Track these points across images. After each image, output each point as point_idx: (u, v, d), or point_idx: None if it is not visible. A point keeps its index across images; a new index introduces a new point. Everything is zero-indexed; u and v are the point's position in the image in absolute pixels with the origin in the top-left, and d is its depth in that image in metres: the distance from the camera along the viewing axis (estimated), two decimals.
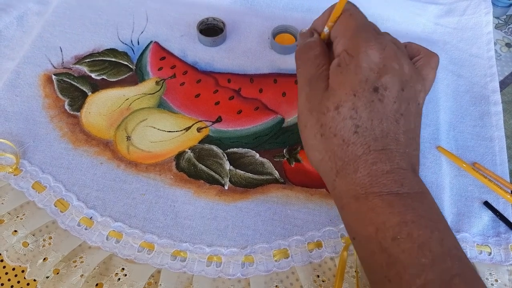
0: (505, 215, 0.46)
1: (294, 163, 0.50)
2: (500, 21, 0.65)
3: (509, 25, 0.65)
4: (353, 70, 0.35)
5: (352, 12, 0.38)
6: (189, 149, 0.50)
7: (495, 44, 0.61)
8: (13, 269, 0.43)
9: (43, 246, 0.43)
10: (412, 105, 0.37)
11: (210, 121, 0.52)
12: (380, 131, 0.35)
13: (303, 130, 0.39)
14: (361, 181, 0.35)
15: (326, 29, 0.41)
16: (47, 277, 0.42)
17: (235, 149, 0.50)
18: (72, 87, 0.54)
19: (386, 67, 0.35)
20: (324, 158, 0.37)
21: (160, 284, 0.42)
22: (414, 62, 0.40)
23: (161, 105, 0.54)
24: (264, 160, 0.50)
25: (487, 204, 0.47)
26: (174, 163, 0.49)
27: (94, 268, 0.42)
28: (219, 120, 0.53)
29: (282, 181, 0.48)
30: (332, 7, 0.40)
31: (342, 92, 0.35)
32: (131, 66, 0.57)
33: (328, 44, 0.42)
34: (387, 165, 0.34)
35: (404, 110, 0.36)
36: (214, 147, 0.50)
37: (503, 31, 0.64)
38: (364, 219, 0.34)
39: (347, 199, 0.36)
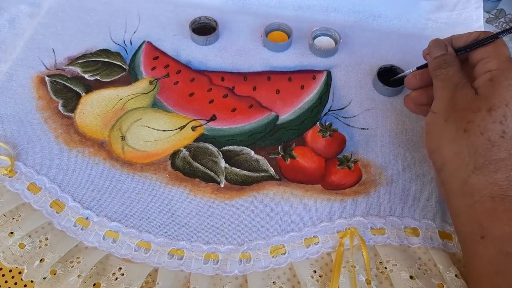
0: None
1: (289, 159, 0.50)
2: (491, 16, 0.66)
3: (499, 19, 0.65)
4: (507, 87, 0.37)
5: (504, 45, 0.41)
6: (184, 147, 0.50)
7: None
8: (10, 270, 0.43)
9: (40, 247, 0.43)
10: None
11: (204, 120, 0.52)
12: None
13: (441, 123, 0.40)
14: (499, 182, 0.36)
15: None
16: (44, 278, 0.41)
17: (230, 147, 0.51)
18: (65, 88, 0.54)
19: None
20: (462, 152, 0.38)
21: (158, 283, 0.42)
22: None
23: (155, 105, 0.54)
24: (259, 157, 0.50)
25: None
26: (169, 162, 0.49)
27: (91, 268, 0.42)
28: (213, 118, 0.53)
29: (278, 178, 0.49)
30: (479, 32, 0.43)
31: (495, 99, 0.37)
32: (124, 66, 0.57)
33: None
34: None
35: None
36: (209, 145, 0.50)
37: (494, 25, 0.65)
38: (501, 218, 0.35)
39: (480, 197, 0.37)
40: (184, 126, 0.52)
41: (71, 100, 0.53)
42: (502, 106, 0.37)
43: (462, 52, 0.43)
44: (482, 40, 0.42)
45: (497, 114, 0.37)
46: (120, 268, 0.43)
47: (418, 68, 0.49)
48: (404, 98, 0.49)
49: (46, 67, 0.56)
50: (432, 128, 0.41)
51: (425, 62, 0.47)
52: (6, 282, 0.43)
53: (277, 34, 0.60)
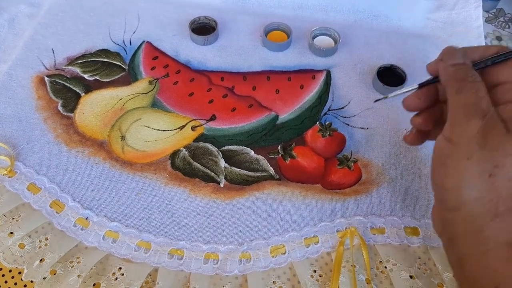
0: None
1: (288, 159, 0.50)
2: (490, 15, 0.66)
3: (499, 18, 0.65)
4: None
5: None
6: (184, 147, 0.50)
7: (485, 37, 0.62)
8: (10, 270, 0.43)
9: (40, 247, 0.43)
10: None
11: (204, 120, 0.52)
12: None
13: (462, 161, 0.35)
14: None
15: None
16: (44, 278, 0.41)
17: (230, 147, 0.51)
18: (65, 89, 0.54)
19: None
20: (483, 198, 0.34)
21: (158, 283, 0.42)
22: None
23: (154, 105, 0.54)
24: (259, 157, 0.50)
25: None
26: (169, 162, 0.49)
27: (91, 268, 0.42)
28: (213, 118, 0.53)
29: (278, 177, 0.49)
30: (499, 47, 0.38)
31: None
32: (123, 66, 0.57)
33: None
34: None
35: None
36: (209, 145, 0.50)
37: (493, 24, 0.65)
38: None
39: (496, 244, 0.34)
40: (183, 126, 0.52)
41: (71, 100, 0.53)
42: None
43: (479, 67, 0.37)
44: (504, 54, 0.36)
45: None
46: (120, 268, 0.43)
47: (420, 86, 0.40)
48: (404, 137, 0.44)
49: (46, 67, 0.56)
50: (448, 162, 0.36)
51: (427, 78, 0.40)
52: (6, 282, 0.43)
53: (276, 34, 0.60)
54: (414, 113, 0.41)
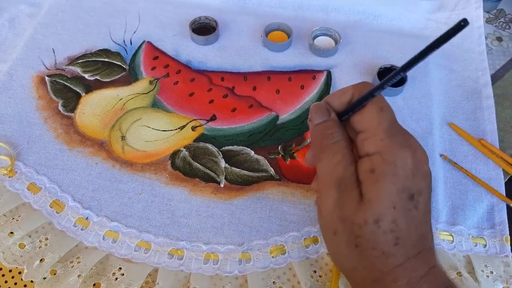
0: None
1: (289, 159, 0.50)
2: (491, 16, 0.66)
3: (499, 19, 0.65)
4: (391, 179, 0.32)
5: (383, 106, 0.35)
6: (184, 147, 0.50)
7: (486, 38, 0.62)
8: (10, 270, 0.43)
9: (40, 247, 0.43)
10: (431, 194, 0.36)
11: (204, 120, 0.52)
12: (416, 236, 0.33)
13: (330, 236, 0.36)
14: None
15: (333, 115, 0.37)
16: (44, 278, 0.41)
17: (230, 147, 0.51)
18: (65, 88, 0.54)
19: (419, 170, 0.33)
20: (357, 267, 0.34)
21: (158, 283, 0.42)
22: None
23: (155, 105, 0.54)
24: (259, 157, 0.50)
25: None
26: (169, 162, 0.49)
27: (91, 268, 0.42)
28: (213, 118, 0.53)
29: (278, 177, 0.49)
30: (355, 88, 0.36)
31: (381, 205, 0.32)
32: (124, 66, 0.57)
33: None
34: (424, 269, 0.33)
35: (429, 207, 0.35)
36: (209, 145, 0.50)
37: (494, 25, 0.65)
38: None
39: None
40: (184, 126, 0.52)
41: (71, 100, 0.53)
42: (390, 211, 0.32)
43: (344, 118, 0.36)
44: (356, 103, 0.35)
45: (386, 224, 0.32)
46: (120, 268, 0.43)
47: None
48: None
49: (46, 67, 0.56)
50: (323, 233, 0.37)
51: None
52: (6, 282, 0.43)
53: (277, 34, 0.60)
54: None
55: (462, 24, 0.28)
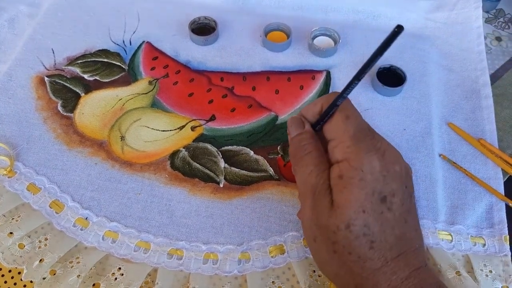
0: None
1: (288, 159, 0.50)
2: (490, 15, 0.66)
3: (498, 19, 0.66)
4: (358, 184, 0.33)
5: (349, 114, 0.36)
6: (184, 148, 0.50)
7: (485, 38, 0.62)
8: (10, 271, 0.43)
9: (39, 247, 0.43)
10: (412, 196, 0.36)
11: (204, 120, 0.53)
12: (393, 238, 0.34)
13: (312, 243, 0.37)
14: None
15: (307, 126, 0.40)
16: (44, 278, 0.41)
17: (229, 147, 0.51)
18: (64, 89, 0.54)
19: (390, 172, 0.34)
20: (339, 273, 0.35)
21: (157, 283, 0.42)
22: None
23: (154, 105, 0.54)
24: (259, 157, 0.50)
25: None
26: (168, 162, 0.49)
27: (91, 268, 0.42)
28: (212, 118, 0.53)
29: (277, 177, 0.49)
30: (324, 99, 0.38)
31: (350, 210, 0.33)
32: (123, 67, 0.57)
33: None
34: (405, 271, 0.33)
35: (409, 206, 0.35)
36: (209, 146, 0.50)
37: (493, 25, 0.65)
38: None
39: None
40: (183, 126, 0.52)
41: (71, 100, 0.53)
42: (360, 215, 0.33)
43: (317, 128, 0.38)
44: (324, 113, 0.37)
45: (357, 228, 0.33)
46: (120, 268, 0.43)
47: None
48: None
49: (46, 67, 0.56)
50: (311, 247, 0.38)
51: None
52: (5, 282, 0.43)
53: (276, 34, 0.60)
54: None
55: (396, 30, 0.30)
